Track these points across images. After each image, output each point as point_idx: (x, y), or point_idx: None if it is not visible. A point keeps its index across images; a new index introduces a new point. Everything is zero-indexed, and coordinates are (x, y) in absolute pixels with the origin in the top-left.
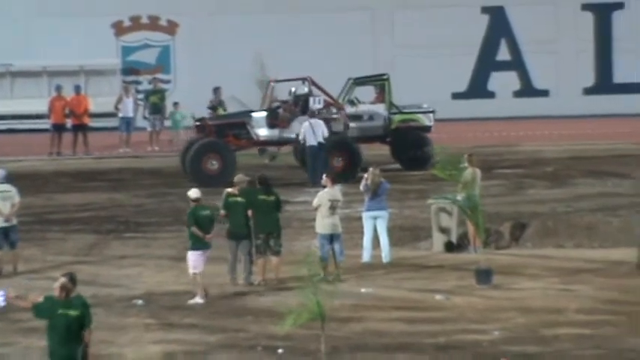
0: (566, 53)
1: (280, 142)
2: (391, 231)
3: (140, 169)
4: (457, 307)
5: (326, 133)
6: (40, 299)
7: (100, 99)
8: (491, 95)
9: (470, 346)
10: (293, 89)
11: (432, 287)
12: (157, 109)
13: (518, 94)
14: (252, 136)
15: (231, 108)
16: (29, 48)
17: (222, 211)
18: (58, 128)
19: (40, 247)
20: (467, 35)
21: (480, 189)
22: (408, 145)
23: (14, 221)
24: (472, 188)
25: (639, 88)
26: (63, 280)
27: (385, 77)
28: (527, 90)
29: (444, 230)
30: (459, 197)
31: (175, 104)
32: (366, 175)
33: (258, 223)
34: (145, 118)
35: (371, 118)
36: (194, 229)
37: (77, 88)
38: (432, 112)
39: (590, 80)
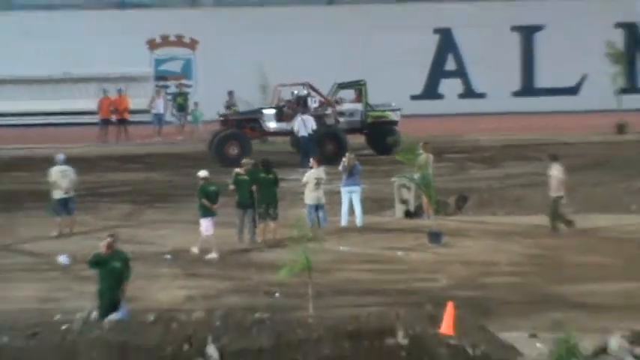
0: (499, 64)
1: (285, 133)
2: (363, 202)
3: (169, 154)
4: (414, 261)
5: (314, 126)
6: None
7: (137, 99)
8: (440, 97)
9: (424, 292)
10: (295, 91)
11: (395, 246)
12: (182, 108)
13: (461, 96)
14: (263, 128)
15: (240, 107)
16: (83, 59)
17: (232, 187)
18: (105, 122)
19: (92, 214)
20: (422, 50)
21: (432, 170)
22: (380, 135)
23: (72, 194)
24: (426, 169)
25: (555, 92)
26: (108, 239)
27: (362, 83)
28: (469, 93)
29: (404, 201)
30: (416, 176)
31: (196, 104)
32: (343, 159)
33: (260, 195)
34: (172, 114)
35: (351, 114)
36: (204, 201)
37: (120, 91)
38: (398, 109)
39: (517, 85)
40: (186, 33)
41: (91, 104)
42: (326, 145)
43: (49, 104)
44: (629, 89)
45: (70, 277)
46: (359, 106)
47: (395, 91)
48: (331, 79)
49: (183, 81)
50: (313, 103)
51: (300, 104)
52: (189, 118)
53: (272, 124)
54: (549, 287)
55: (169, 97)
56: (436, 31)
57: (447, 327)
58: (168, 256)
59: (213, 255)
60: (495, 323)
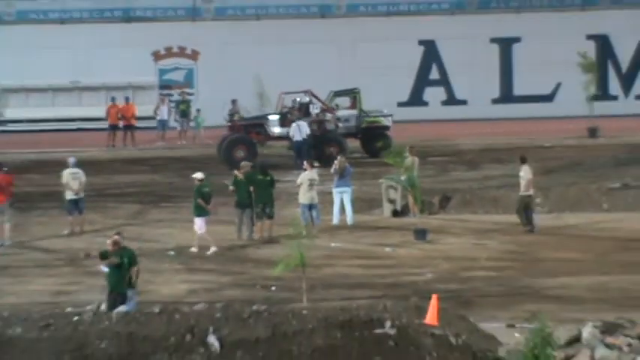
0: (479, 73)
1: (288, 138)
2: (353, 202)
3: (172, 157)
4: (401, 256)
5: (308, 131)
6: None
7: (143, 107)
8: (425, 104)
9: (410, 285)
10: (297, 98)
11: (383, 242)
12: (184, 114)
13: (445, 103)
14: (268, 133)
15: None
16: (93, 69)
17: (231, 187)
18: (113, 128)
19: (100, 213)
20: (408, 60)
21: (418, 172)
22: (373, 139)
23: (82, 194)
24: (412, 171)
25: (532, 99)
26: (114, 237)
27: (357, 91)
28: (451, 100)
29: (391, 201)
30: (402, 178)
31: (198, 110)
32: (335, 162)
33: (257, 196)
34: (175, 120)
35: (347, 120)
36: (199, 201)
37: (127, 99)
38: (390, 115)
39: (496, 93)
40: (188, 45)
41: (100, 111)
42: (327, 148)
43: (61, 111)
44: (600, 96)
45: (80, 272)
46: (354, 113)
47: (383, 98)
48: (323, 87)
49: (186, 89)
50: (314, 109)
51: (302, 110)
52: (192, 123)
53: (276, 129)
54: (526, 281)
55: (173, 104)
56: (421, 42)
57: (431, 318)
58: (172, 253)
59: (212, 249)
60: (476, 314)
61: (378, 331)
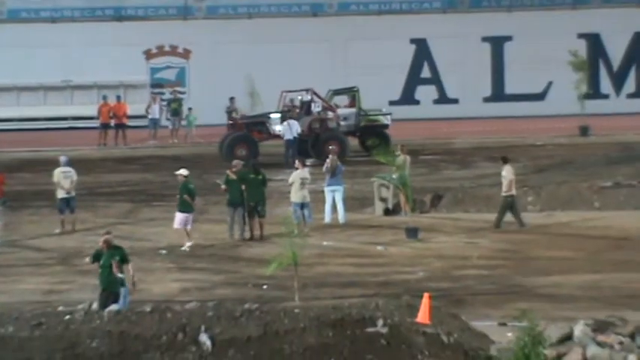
0: (471, 72)
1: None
2: (345, 200)
3: (164, 156)
4: (392, 255)
5: (299, 130)
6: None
7: (134, 105)
8: (417, 102)
9: (401, 283)
10: (299, 97)
11: (374, 241)
12: (176, 113)
13: (436, 101)
14: (270, 131)
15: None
16: (84, 68)
17: (223, 186)
18: (104, 126)
19: (92, 212)
20: (400, 59)
21: (409, 170)
22: (373, 138)
23: (73, 193)
24: (403, 170)
25: (524, 98)
26: (105, 237)
27: (356, 89)
28: (443, 99)
29: (383, 200)
30: (394, 176)
31: (190, 109)
32: (327, 160)
33: (249, 194)
34: (167, 119)
35: (346, 118)
36: (186, 197)
37: (118, 97)
38: (389, 114)
39: (488, 91)
40: (180, 43)
41: (92, 110)
42: (328, 147)
43: (52, 110)
44: (591, 95)
45: (72, 271)
46: (353, 111)
47: (375, 96)
48: (315, 86)
49: (178, 88)
50: (316, 107)
51: (304, 109)
52: (183, 122)
53: (278, 128)
54: (518, 279)
55: (164, 102)
56: (412, 41)
57: (423, 316)
58: (164, 251)
59: (188, 244)
60: (468, 313)
61: (370, 329)
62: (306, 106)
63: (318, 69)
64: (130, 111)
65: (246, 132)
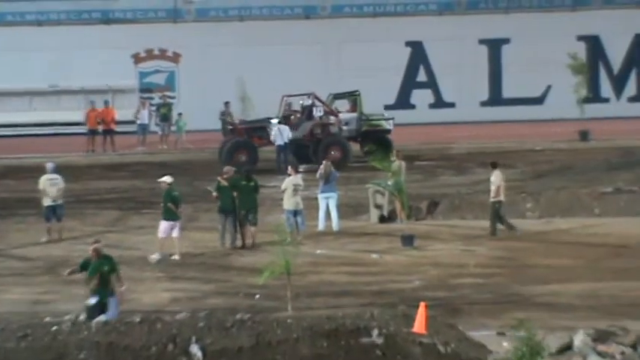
0: (468, 75)
1: (292, 141)
2: (339, 207)
3: (153, 163)
4: (387, 263)
5: (290, 135)
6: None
7: (123, 110)
8: (412, 107)
9: (397, 292)
10: (301, 101)
11: (369, 249)
12: (165, 118)
13: (432, 105)
14: (270, 137)
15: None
16: (72, 72)
17: (215, 193)
18: (92, 132)
19: (79, 220)
20: (395, 62)
21: (405, 176)
22: (374, 143)
23: (60, 201)
24: (399, 176)
25: (521, 102)
26: (94, 245)
27: (357, 93)
28: (439, 103)
29: (378, 207)
30: (389, 183)
31: (179, 114)
32: (321, 167)
33: (241, 201)
34: (156, 124)
35: (347, 123)
36: (170, 205)
37: (106, 103)
38: (391, 119)
39: (485, 95)
40: (169, 47)
41: (79, 115)
42: (330, 153)
43: (39, 115)
44: (591, 98)
45: (59, 281)
46: (354, 116)
47: (369, 100)
48: (308, 90)
49: (167, 92)
50: (318, 112)
51: (305, 113)
52: (173, 128)
53: (290, 133)
54: (515, 288)
55: (153, 108)
56: (408, 43)
57: (419, 326)
58: (155, 258)
59: (175, 257)
60: (465, 322)
61: (365, 340)
62: (307, 111)
63: (311, 72)
64: (118, 116)
65: (247, 137)
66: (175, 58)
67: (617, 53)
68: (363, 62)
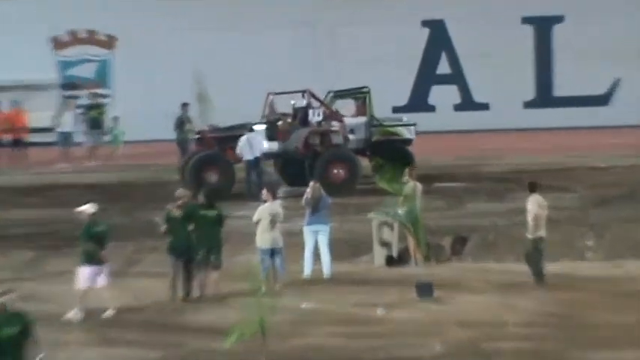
0: (507, 66)
1: (280, 155)
2: (332, 245)
3: (79, 184)
4: (398, 321)
5: (264, 148)
6: None
7: (38, 113)
8: (431, 109)
9: None
10: (292, 102)
11: (373, 301)
12: (96, 124)
13: (458, 107)
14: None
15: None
16: None
17: (164, 227)
18: None
19: None
20: (407, 49)
21: (421, 203)
22: (389, 158)
23: None
24: (413, 202)
25: (578, 102)
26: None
27: (366, 90)
28: (468, 103)
29: (385, 244)
30: (400, 211)
31: (115, 119)
32: (307, 190)
33: (200, 238)
34: (84, 133)
35: (352, 131)
36: (88, 245)
37: (15, 103)
38: (413, 125)
39: (530, 93)
40: (101, 28)
41: None
42: (333, 169)
43: None
44: None
45: None
46: (362, 121)
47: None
48: (288, 87)
49: (98, 90)
50: (316, 116)
51: (298, 118)
52: (107, 137)
53: (263, 144)
54: (573, 354)
55: (80, 110)
56: (425, 23)
57: None
58: (79, 317)
59: (109, 312)
60: None
61: None
62: (301, 114)
63: (295, 65)
64: (31, 122)
65: (219, 150)
66: (109, 42)
67: None
68: (364, 50)
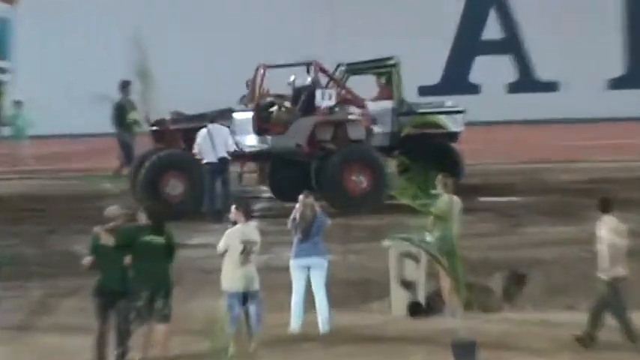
0: (584, 34)
1: (271, 155)
2: (332, 286)
3: None
4: None
5: (231, 146)
6: None
7: None
8: (474, 89)
9: None
10: (292, 78)
11: None
12: None
13: (514, 88)
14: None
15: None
16: None
17: (88, 258)
18: None
19: None
20: (438, 9)
21: (460, 225)
22: (425, 159)
23: None
24: (447, 224)
25: None
26: None
27: (393, 63)
28: (529, 82)
29: (407, 285)
30: (430, 237)
31: (18, 103)
32: (296, 205)
33: (140, 275)
34: None
35: (373, 121)
36: None
37: None
38: (461, 112)
39: (618, 68)
40: None
41: None
42: (350, 178)
43: None
44: None
45: None
46: (388, 106)
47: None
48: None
49: None
50: (326, 99)
51: (301, 102)
52: (6, 129)
53: (249, 139)
54: None
55: None
56: None
57: None
58: None
59: None
60: None
61: None
62: (305, 97)
63: (273, 32)
64: None
65: (186, 148)
66: None
67: None
68: (379, 12)
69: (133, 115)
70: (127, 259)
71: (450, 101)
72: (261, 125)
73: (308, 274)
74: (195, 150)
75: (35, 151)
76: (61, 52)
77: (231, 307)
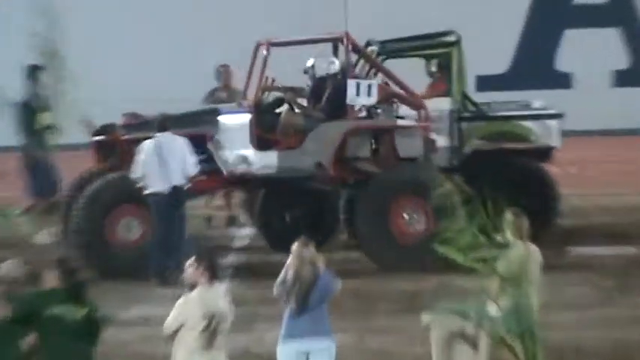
0: None
1: (281, 180)
2: None
3: None
4: None
5: (191, 168)
6: None
7: None
8: (562, 82)
9: None
10: (310, 62)
11: None
12: None
13: (619, 80)
14: (217, 167)
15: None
16: None
17: None
18: None
19: None
20: None
21: (541, 291)
22: (500, 187)
23: None
24: (522, 289)
25: None
26: None
27: (453, 40)
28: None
29: None
30: (494, 310)
31: None
32: (288, 260)
33: None
34: None
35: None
36: None
37: None
38: (557, 116)
39: None
40: None
41: None
42: (401, 215)
43: None
44: None
45: None
46: (444, 107)
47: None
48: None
49: None
50: (363, 94)
51: (325, 98)
52: None
53: (243, 154)
54: None
55: None
56: None
57: None
58: None
59: None
60: None
61: None
62: (331, 91)
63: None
64: None
65: None
66: None
67: None
68: None
69: (44, 119)
70: (28, 340)
71: (538, 100)
72: (263, 134)
73: None
74: (136, 173)
75: None
76: None
77: None
